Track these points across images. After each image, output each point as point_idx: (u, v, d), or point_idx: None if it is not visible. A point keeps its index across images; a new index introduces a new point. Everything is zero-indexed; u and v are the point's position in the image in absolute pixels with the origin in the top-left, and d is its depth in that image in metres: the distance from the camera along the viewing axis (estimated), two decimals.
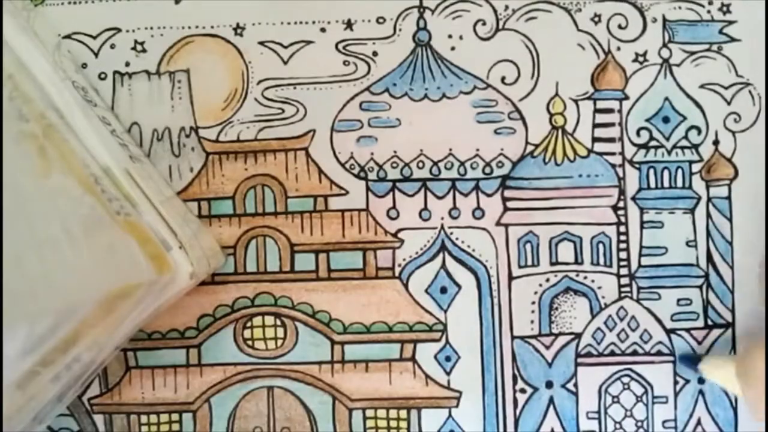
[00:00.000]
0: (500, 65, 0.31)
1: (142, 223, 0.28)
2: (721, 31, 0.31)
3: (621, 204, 0.31)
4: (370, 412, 0.31)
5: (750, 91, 0.31)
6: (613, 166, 0.31)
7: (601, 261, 0.31)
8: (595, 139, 0.31)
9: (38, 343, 0.24)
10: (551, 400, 0.31)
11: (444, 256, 0.31)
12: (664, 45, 0.31)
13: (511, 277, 0.31)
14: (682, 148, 0.31)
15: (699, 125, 0.31)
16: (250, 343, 0.31)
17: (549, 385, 0.31)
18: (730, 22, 0.31)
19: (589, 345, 0.31)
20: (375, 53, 0.31)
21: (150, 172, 0.30)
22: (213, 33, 0.31)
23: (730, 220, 0.31)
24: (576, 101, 0.31)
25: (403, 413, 0.31)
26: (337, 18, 0.31)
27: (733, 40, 0.31)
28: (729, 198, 0.31)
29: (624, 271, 0.31)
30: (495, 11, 0.31)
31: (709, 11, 0.31)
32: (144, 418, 0.31)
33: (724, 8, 0.31)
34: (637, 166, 0.31)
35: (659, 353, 0.31)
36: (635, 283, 0.31)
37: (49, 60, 0.29)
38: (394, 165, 0.31)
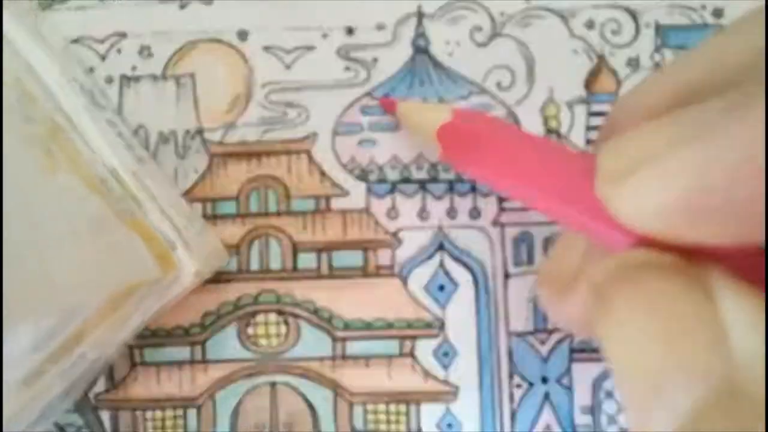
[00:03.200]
0: (496, 71, 0.32)
1: (147, 223, 0.29)
2: None
3: None
4: (370, 407, 0.32)
5: None
6: None
7: None
8: (588, 142, 0.32)
9: (44, 340, 0.24)
10: (547, 395, 0.32)
11: (442, 255, 0.32)
12: (656, 50, 0.32)
13: (506, 275, 0.32)
14: None
15: None
16: (253, 340, 0.32)
17: (544, 380, 0.32)
18: (723, 27, 0.31)
19: (583, 341, 0.32)
20: (375, 59, 0.32)
21: (155, 174, 0.31)
22: (218, 38, 0.32)
23: None
24: (570, 105, 0.32)
25: (403, 407, 0.32)
26: (338, 24, 0.32)
27: None
28: None
29: None
30: (491, 17, 0.32)
31: (702, 16, 0.32)
32: (149, 414, 0.32)
33: (717, 13, 0.31)
34: None
35: None
36: None
37: (57, 64, 0.30)
38: (394, 167, 0.32)
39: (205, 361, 0.32)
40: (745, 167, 0.14)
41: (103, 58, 0.32)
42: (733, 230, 0.15)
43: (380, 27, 0.32)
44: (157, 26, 0.31)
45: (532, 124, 0.32)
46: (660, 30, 0.32)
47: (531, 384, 0.32)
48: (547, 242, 0.32)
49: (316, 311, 0.32)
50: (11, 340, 0.23)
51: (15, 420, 0.25)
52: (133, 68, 0.32)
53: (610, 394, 0.32)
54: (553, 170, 0.20)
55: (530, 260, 0.32)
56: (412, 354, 0.32)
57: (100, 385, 0.32)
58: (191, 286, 0.30)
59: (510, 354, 0.32)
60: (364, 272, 0.32)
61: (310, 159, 0.32)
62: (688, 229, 0.15)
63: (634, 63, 0.32)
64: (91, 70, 0.32)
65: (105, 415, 0.32)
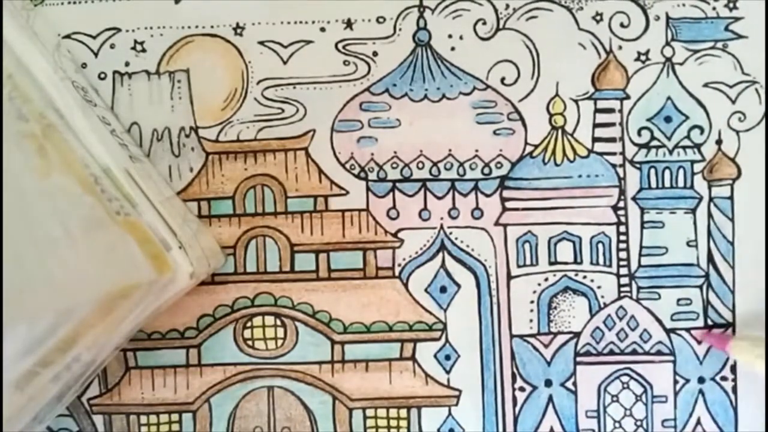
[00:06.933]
0: (500, 65, 0.31)
1: (141, 223, 0.28)
2: (726, 28, 0.31)
3: (621, 204, 0.31)
4: (370, 412, 0.31)
5: (756, 89, 0.31)
6: (614, 166, 0.31)
7: (601, 261, 0.31)
8: (595, 139, 0.31)
9: (38, 343, 0.24)
10: (550, 399, 0.31)
11: (443, 256, 0.31)
12: (667, 43, 0.31)
13: (509, 277, 0.31)
14: (684, 147, 0.31)
15: (702, 125, 0.31)
16: (250, 343, 0.31)
17: (548, 383, 0.31)
18: (737, 19, 0.31)
19: (588, 344, 0.31)
20: (375, 53, 0.31)
21: (150, 172, 0.30)
22: (213, 33, 0.31)
23: (732, 220, 0.31)
24: (576, 101, 0.31)
25: (403, 412, 0.31)
26: (337, 17, 0.31)
27: (739, 36, 0.31)
28: (731, 198, 0.31)
29: (624, 270, 0.31)
30: (495, 10, 0.31)
31: (714, 8, 0.31)
32: (144, 419, 0.31)
33: (731, 4, 0.31)
34: (637, 165, 0.31)
35: (659, 353, 0.31)
36: (635, 283, 0.31)
37: (49, 60, 0.29)
38: (394, 165, 0.31)
39: (200, 364, 0.31)
40: None
41: (95, 53, 0.31)
42: None
43: (380, 20, 0.31)
44: (150, 21, 0.31)
45: (537, 120, 0.31)
46: (671, 23, 0.31)
47: (534, 387, 0.31)
48: (551, 242, 0.31)
49: (314, 314, 0.31)
50: (5, 343, 0.23)
51: (8, 424, 0.25)
52: (127, 64, 0.31)
53: (615, 399, 0.31)
54: None
55: (534, 261, 0.31)
56: (413, 357, 0.31)
57: (94, 389, 0.31)
58: (186, 288, 0.29)
59: (513, 357, 0.31)
60: (364, 274, 0.31)
61: (308, 157, 0.31)
62: None
63: (643, 57, 0.31)
64: (84, 66, 0.31)
65: (99, 420, 0.31)
